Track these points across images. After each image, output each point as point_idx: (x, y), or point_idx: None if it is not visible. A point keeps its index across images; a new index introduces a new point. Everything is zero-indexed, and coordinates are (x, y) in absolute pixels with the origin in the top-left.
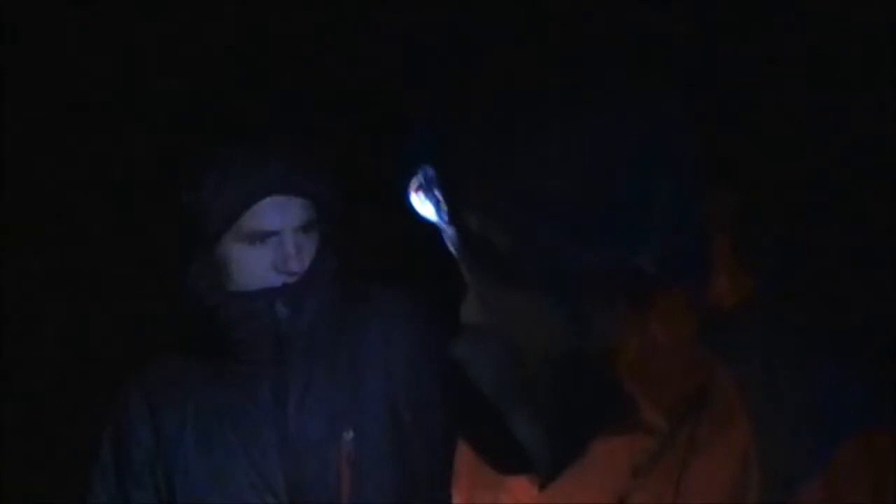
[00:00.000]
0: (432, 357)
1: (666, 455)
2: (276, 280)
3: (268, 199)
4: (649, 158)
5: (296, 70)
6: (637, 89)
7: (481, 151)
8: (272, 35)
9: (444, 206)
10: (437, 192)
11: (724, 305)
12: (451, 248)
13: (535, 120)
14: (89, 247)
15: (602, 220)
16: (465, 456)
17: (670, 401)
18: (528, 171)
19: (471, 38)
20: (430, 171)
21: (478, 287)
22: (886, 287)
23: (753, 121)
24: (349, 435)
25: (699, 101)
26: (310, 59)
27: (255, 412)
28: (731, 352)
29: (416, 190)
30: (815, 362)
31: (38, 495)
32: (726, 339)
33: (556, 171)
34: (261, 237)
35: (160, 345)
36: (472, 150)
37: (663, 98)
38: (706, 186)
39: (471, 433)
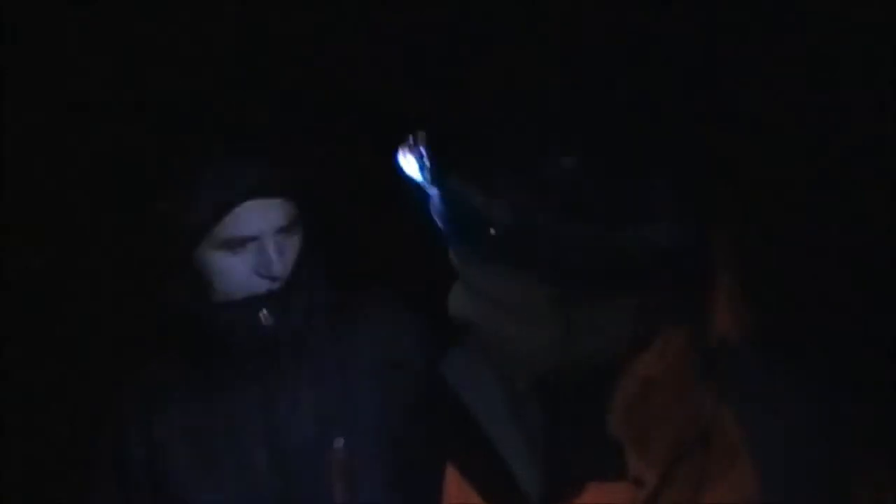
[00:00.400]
0: (425, 362)
1: (665, 497)
2: (260, 286)
3: (245, 203)
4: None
5: (296, 70)
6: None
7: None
8: (272, 35)
9: (427, 164)
10: (421, 150)
11: (729, 342)
12: (436, 218)
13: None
14: (89, 247)
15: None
16: (454, 482)
17: (669, 444)
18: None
19: (471, 39)
20: (419, 132)
21: (464, 269)
22: (888, 293)
23: (753, 121)
24: (340, 442)
25: (699, 101)
26: (310, 59)
27: (244, 417)
28: (734, 391)
29: (403, 148)
30: (818, 398)
31: (38, 495)
32: (730, 378)
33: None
34: (240, 243)
35: (160, 346)
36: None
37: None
38: (708, 188)
39: (462, 461)
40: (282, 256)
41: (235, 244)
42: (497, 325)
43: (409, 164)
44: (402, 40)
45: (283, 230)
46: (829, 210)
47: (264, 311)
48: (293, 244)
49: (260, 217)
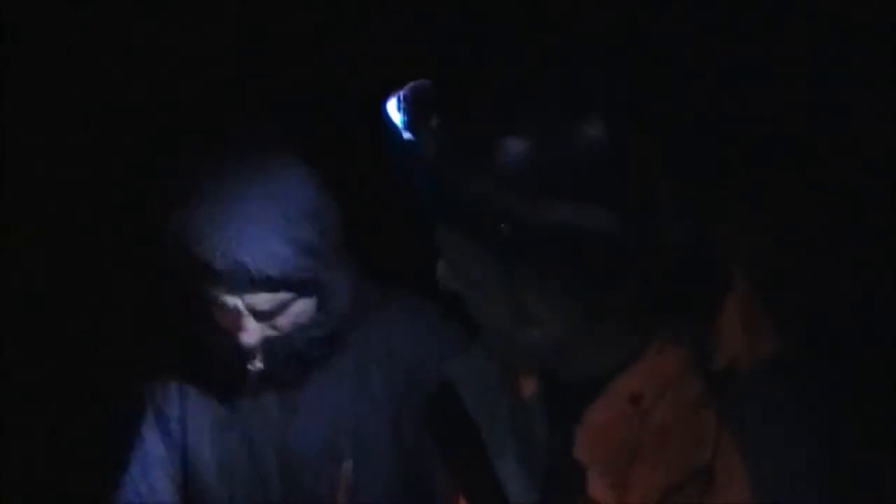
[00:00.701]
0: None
1: None
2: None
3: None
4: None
5: (296, 70)
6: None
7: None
8: (272, 35)
9: (402, 119)
10: (403, 103)
11: (739, 367)
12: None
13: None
14: (89, 247)
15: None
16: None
17: (661, 476)
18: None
19: (471, 39)
20: (415, 86)
21: (438, 234)
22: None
23: (752, 122)
24: (349, 463)
25: (699, 101)
26: (310, 59)
27: (261, 427)
28: (743, 424)
29: (395, 98)
30: (827, 425)
31: (38, 495)
32: (739, 408)
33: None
34: (216, 308)
35: (161, 345)
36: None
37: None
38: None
39: (456, 465)
40: (270, 328)
41: (210, 307)
42: (483, 312)
43: (392, 107)
44: (403, 40)
45: (266, 315)
46: (829, 211)
47: (256, 359)
48: (288, 316)
49: (234, 300)
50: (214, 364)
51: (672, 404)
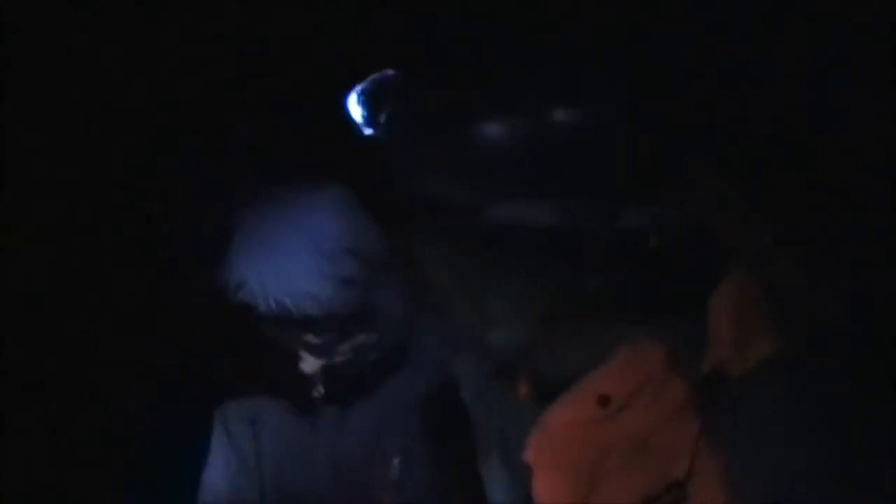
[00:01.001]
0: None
1: None
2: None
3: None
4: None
5: (296, 70)
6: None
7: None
8: (272, 35)
9: (362, 114)
10: (362, 97)
11: (735, 369)
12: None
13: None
14: (89, 247)
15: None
16: None
17: (632, 487)
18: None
19: (472, 38)
20: (375, 80)
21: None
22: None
23: (752, 122)
24: (396, 461)
25: (699, 100)
26: (310, 59)
27: (316, 434)
28: (742, 425)
29: (356, 92)
30: (833, 436)
31: (39, 496)
32: (738, 409)
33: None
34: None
35: (161, 346)
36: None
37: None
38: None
39: (455, 477)
40: (329, 355)
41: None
42: (451, 314)
43: (353, 104)
44: (403, 40)
45: (320, 348)
46: (829, 211)
47: (319, 387)
48: (345, 343)
49: (286, 338)
50: (279, 384)
51: (647, 410)
